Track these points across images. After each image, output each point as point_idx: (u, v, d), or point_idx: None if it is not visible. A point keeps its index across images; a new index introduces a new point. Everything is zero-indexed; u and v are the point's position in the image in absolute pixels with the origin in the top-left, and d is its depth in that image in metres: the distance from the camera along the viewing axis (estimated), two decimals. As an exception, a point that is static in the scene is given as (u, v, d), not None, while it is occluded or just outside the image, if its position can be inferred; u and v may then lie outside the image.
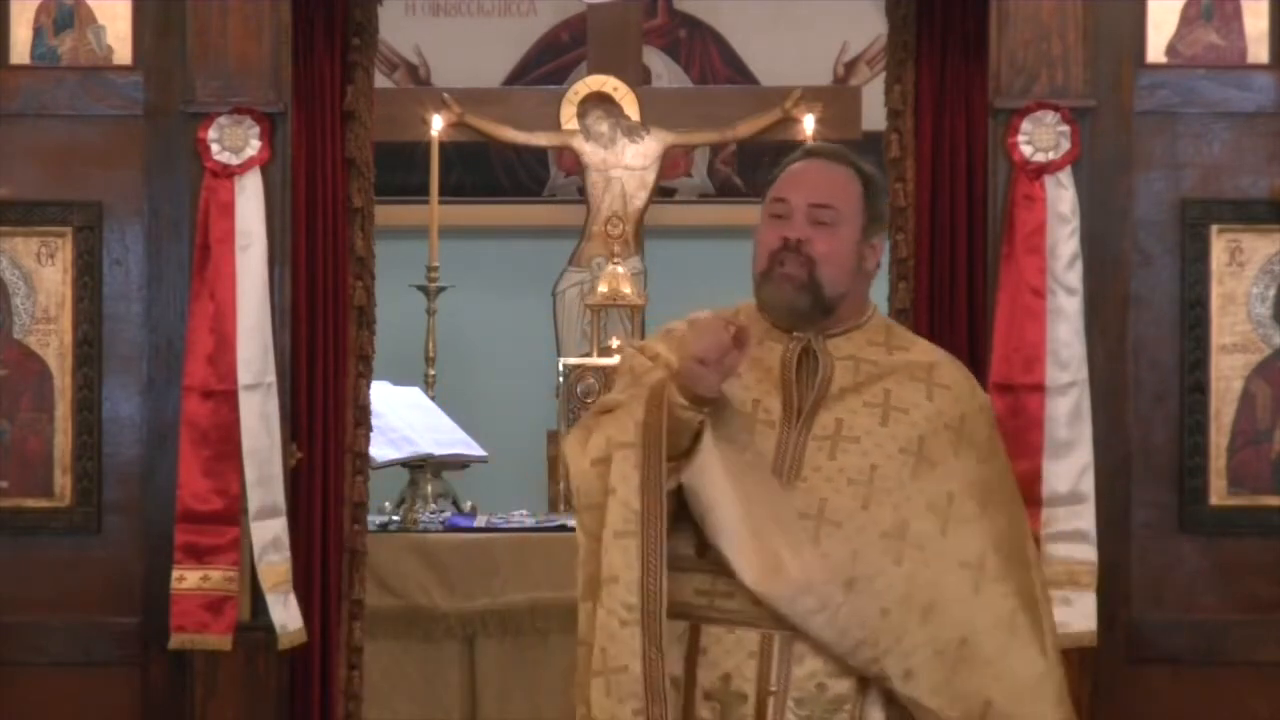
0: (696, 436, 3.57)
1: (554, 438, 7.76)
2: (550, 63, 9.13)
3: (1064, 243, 5.12)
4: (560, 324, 8.38)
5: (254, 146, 5.22)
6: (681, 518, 3.60)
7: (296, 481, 5.38)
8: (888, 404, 3.66)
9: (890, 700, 3.61)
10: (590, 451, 3.59)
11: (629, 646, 3.50)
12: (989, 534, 3.63)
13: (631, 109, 8.18)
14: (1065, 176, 5.15)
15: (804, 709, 3.58)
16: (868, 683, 3.60)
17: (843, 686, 3.60)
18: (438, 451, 7.35)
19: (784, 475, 3.61)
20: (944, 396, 3.69)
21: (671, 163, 8.51)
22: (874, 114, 6.79)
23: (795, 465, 3.62)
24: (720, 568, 3.58)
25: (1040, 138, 5.15)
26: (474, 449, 7.47)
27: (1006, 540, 3.66)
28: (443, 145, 8.05)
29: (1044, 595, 3.71)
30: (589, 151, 8.22)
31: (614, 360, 7.03)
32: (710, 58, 9.24)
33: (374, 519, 6.72)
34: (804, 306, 3.65)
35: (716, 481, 3.56)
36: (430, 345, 7.95)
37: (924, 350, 3.76)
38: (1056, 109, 5.16)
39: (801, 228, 3.64)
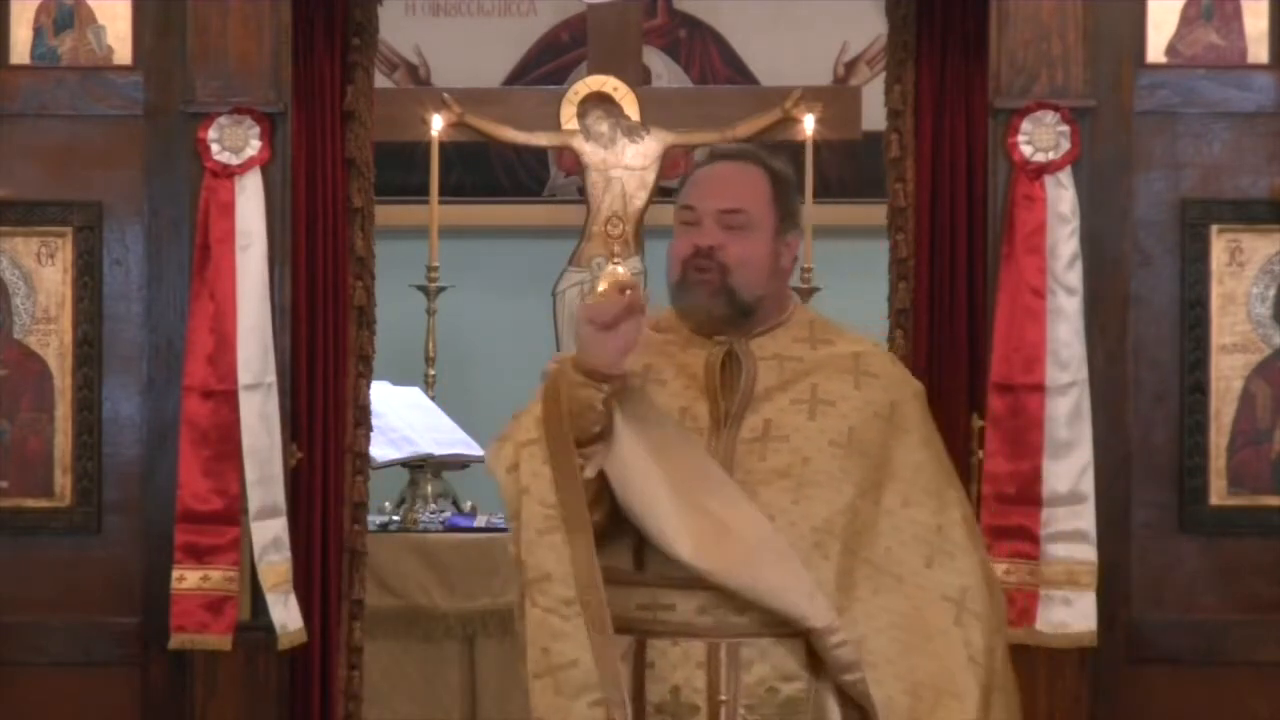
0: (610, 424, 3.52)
1: (554, 438, 7.74)
2: (550, 63, 9.13)
3: (1064, 243, 5.12)
4: (560, 324, 8.37)
5: (254, 146, 5.22)
6: (616, 533, 3.57)
7: (296, 481, 5.38)
8: (815, 399, 3.63)
9: (846, 700, 3.57)
10: (503, 461, 3.56)
11: (575, 640, 3.45)
12: (929, 521, 3.61)
13: (631, 109, 8.17)
14: (1065, 176, 5.15)
15: (756, 714, 3.55)
16: (819, 684, 3.57)
17: (794, 689, 3.56)
18: (438, 451, 7.35)
19: None
20: (872, 385, 3.66)
21: (672, 163, 8.50)
22: (874, 114, 6.78)
23: (726, 469, 3.58)
24: (661, 580, 3.55)
25: (1040, 138, 5.15)
26: (474, 449, 7.47)
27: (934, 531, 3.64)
28: (443, 145, 8.05)
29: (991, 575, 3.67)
30: (589, 151, 8.21)
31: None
32: (710, 58, 9.23)
33: (374, 519, 6.72)
34: (721, 313, 3.62)
35: (635, 464, 3.52)
36: (430, 345, 7.95)
37: (850, 341, 3.73)
38: (1056, 109, 5.16)
39: (712, 234, 3.60)
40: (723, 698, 3.54)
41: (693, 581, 3.53)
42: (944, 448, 3.74)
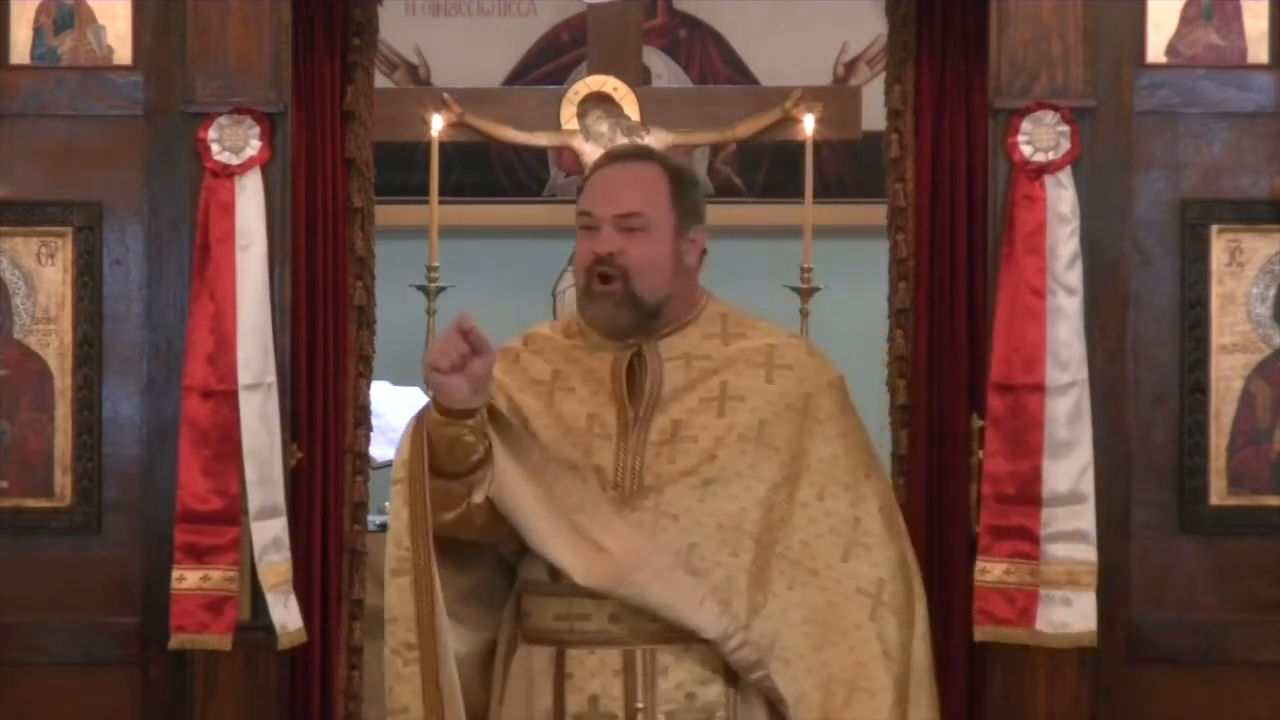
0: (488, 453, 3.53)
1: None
2: (550, 63, 9.14)
3: (1064, 243, 5.12)
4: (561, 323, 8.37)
5: (254, 146, 5.22)
6: (528, 547, 3.58)
7: (296, 481, 5.38)
8: (724, 395, 3.62)
9: (772, 705, 3.56)
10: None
11: (410, 686, 3.49)
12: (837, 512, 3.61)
13: (631, 109, 8.16)
14: (1065, 176, 5.15)
15: None
16: (740, 685, 3.57)
17: (712, 693, 3.57)
18: (438, 451, 7.34)
19: (625, 487, 3.57)
20: (785, 377, 3.65)
21: (672, 163, 8.50)
22: (874, 114, 6.77)
23: (636, 474, 3.57)
24: (575, 590, 3.54)
25: (1040, 138, 5.15)
26: (474, 449, 7.46)
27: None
28: (443, 145, 8.04)
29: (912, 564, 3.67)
30: (589, 151, 8.20)
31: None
32: (710, 58, 9.24)
33: (374, 519, 6.71)
34: (627, 320, 3.61)
35: (516, 490, 3.52)
36: (430, 345, 7.95)
37: (764, 333, 3.70)
38: (1056, 109, 5.16)
39: (610, 240, 3.58)
40: (639, 705, 3.54)
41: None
42: (866, 436, 3.72)
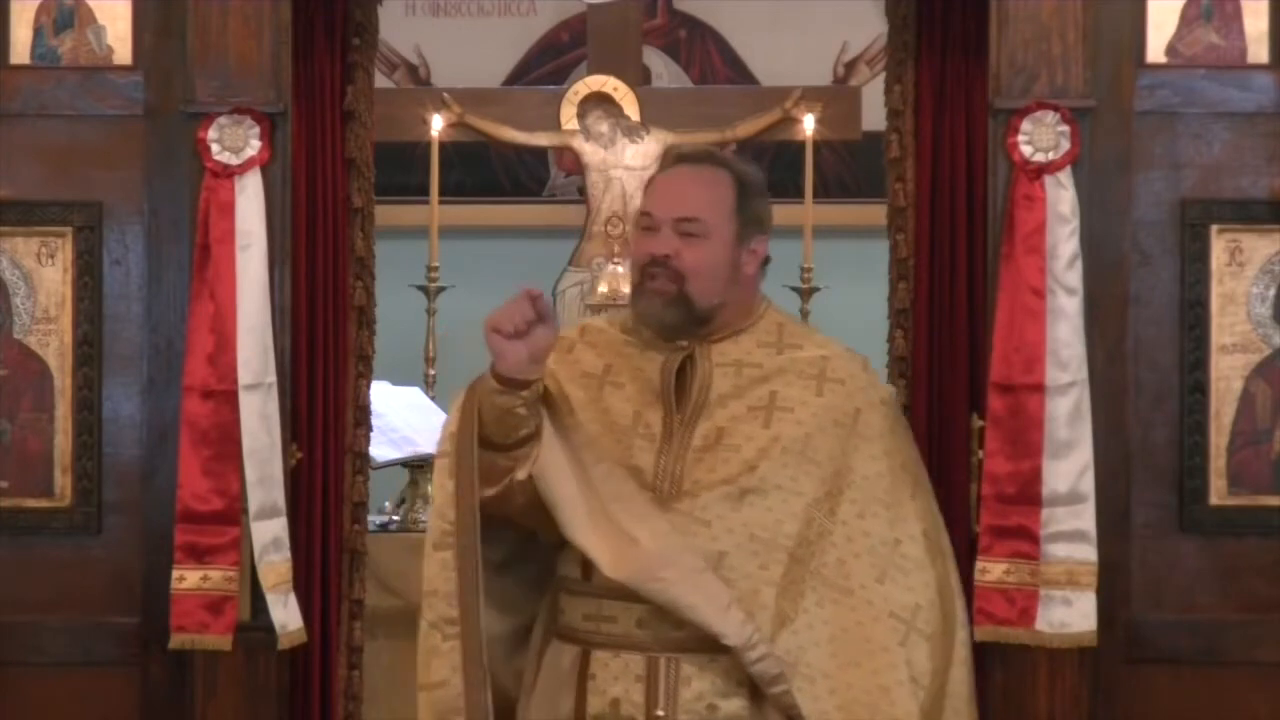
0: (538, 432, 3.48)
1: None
2: (550, 63, 9.14)
3: (1064, 243, 5.12)
4: (561, 324, 8.37)
5: (254, 146, 5.21)
6: (566, 541, 3.54)
7: (296, 481, 5.38)
8: (772, 405, 3.58)
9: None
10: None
11: (448, 661, 3.48)
12: (882, 529, 3.58)
13: (631, 109, 8.17)
14: (1065, 176, 5.14)
15: None
16: (762, 700, 3.52)
17: (733, 706, 3.53)
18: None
19: (663, 490, 3.52)
20: (836, 391, 3.61)
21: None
22: (874, 114, 6.78)
23: (675, 479, 3.54)
24: (605, 591, 3.51)
25: (1040, 138, 5.15)
26: (474, 449, 7.46)
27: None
28: (443, 145, 8.05)
29: (955, 586, 3.62)
30: (589, 151, 8.22)
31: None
32: (710, 58, 9.24)
33: (374, 519, 6.72)
34: (675, 321, 3.59)
35: (556, 472, 3.48)
36: (430, 345, 7.95)
37: (818, 345, 3.68)
38: (1056, 109, 5.16)
39: (668, 242, 3.56)
40: (660, 713, 3.51)
41: (633, 593, 3.49)
42: (914, 456, 3.67)
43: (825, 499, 3.55)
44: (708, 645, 3.51)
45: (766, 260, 3.68)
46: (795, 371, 3.62)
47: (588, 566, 3.54)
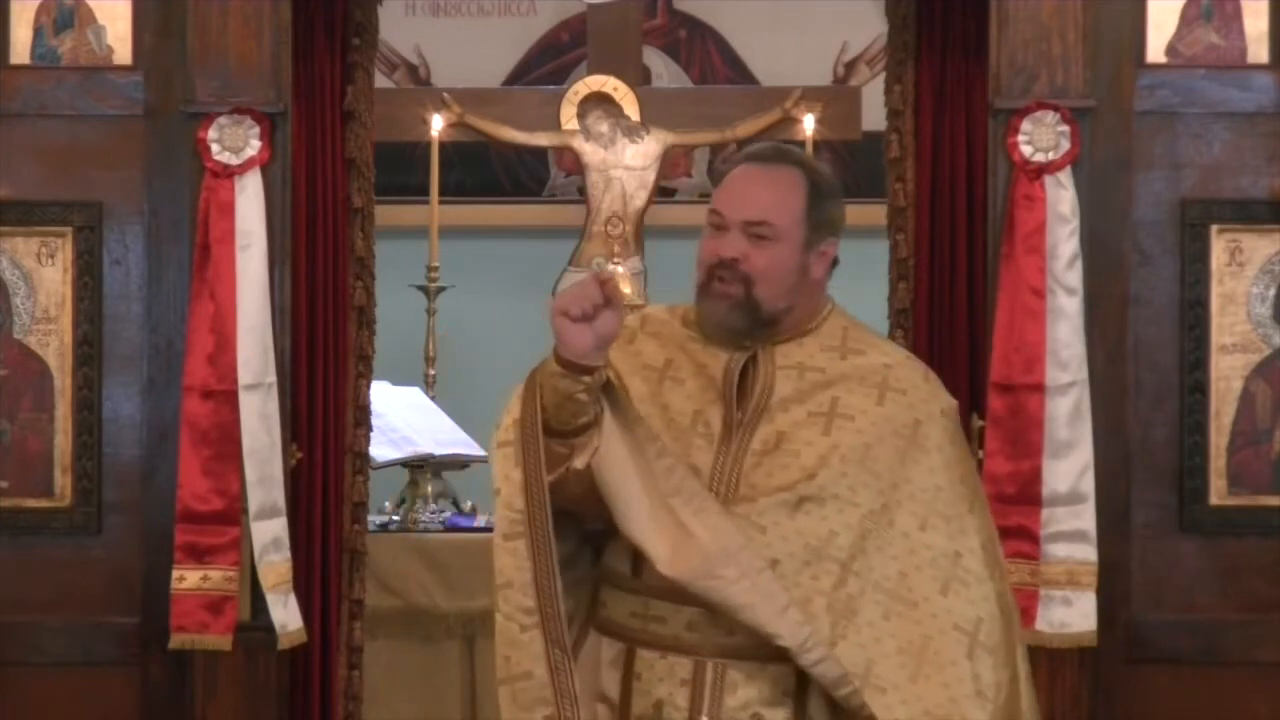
0: (597, 421, 3.43)
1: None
2: (550, 63, 9.13)
3: (1064, 243, 5.12)
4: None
5: (254, 146, 5.22)
6: (617, 533, 3.47)
7: (296, 481, 5.38)
8: (833, 412, 3.51)
9: None
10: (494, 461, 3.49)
11: (530, 651, 3.37)
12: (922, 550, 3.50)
13: (631, 109, 8.17)
14: (1065, 176, 5.15)
15: None
16: (805, 711, 3.48)
17: (779, 716, 3.48)
18: (438, 451, 7.34)
19: (719, 493, 3.46)
20: (897, 401, 3.53)
21: (672, 163, 8.50)
22: (874, 114, 6.78)
23: (732, 482, 3.48)
24: (653, 590, 3.45)
25: (1040, 138, 5.15)
26: (474, 449, 7.46)
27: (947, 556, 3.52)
28: (443, 145, 8.05)
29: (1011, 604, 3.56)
30: (589, 151, 8.21)
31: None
32: (710, 58, 9.23)
33: (374, 519, 6.72)
34: (740, 325, 3.52)
35: (615, 463, 3.41)
36: (430, 345, 7.95)
37: (882, 352, 3.60)
38: (1056, 109, 5.16)
39: (736, 245, 3.48)
40: (703, 719, 3.46)
41: (684, 595, 3.43)
42: (973, 469, 3.61)
43: (881, 511, 3.48)
44: (757, 653, 3.46)
45: (835, 262, 3.60)
46: (857, 378, 3.55)
47: (638, 562, 3.48)
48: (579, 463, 3.42)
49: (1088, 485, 5.10)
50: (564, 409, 3.40)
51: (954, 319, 5.49)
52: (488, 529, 7.08)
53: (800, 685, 3.48)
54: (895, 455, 3.51)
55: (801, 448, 3.49)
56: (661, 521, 3.41)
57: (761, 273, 3.50)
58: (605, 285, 3.37)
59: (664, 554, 3.41)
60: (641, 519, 3.42)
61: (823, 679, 3.44)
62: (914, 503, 3.50)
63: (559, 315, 3.38)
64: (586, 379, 3.39)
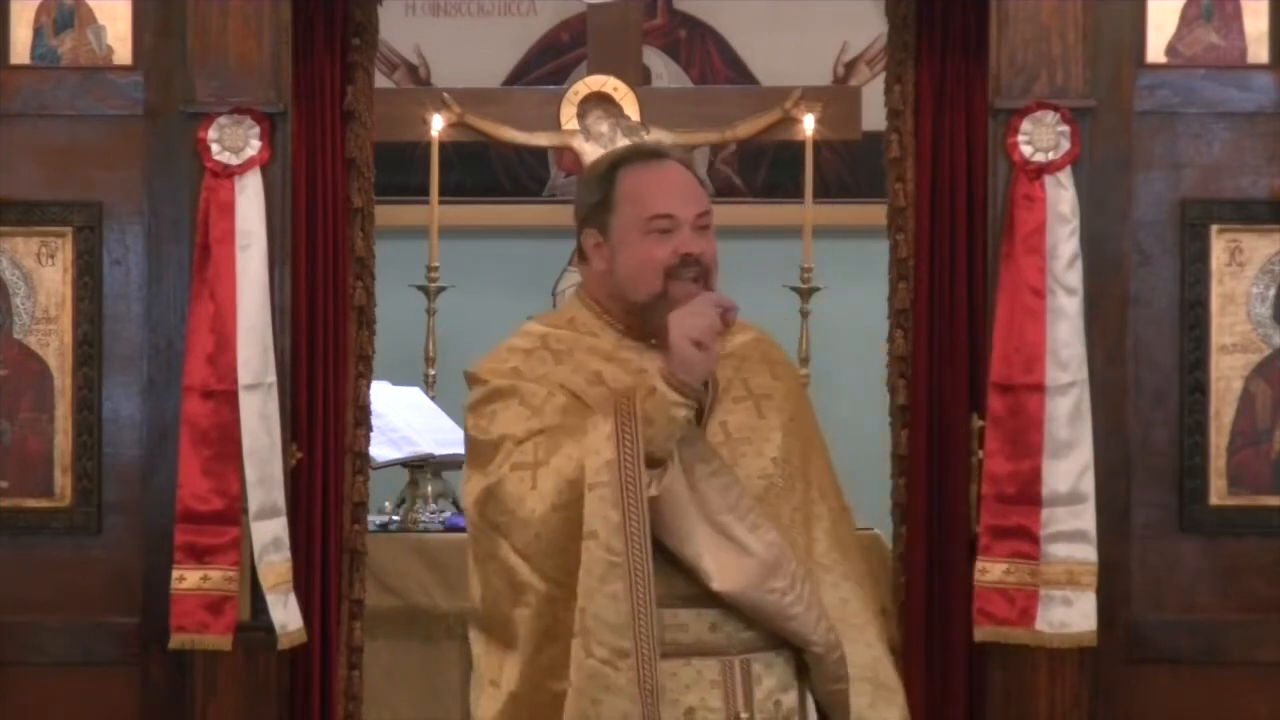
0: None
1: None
2: (550, 63, 9.13)
3: (1064, 243, 5.12)
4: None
5: (254, 146, 5.22)
6: None
7: (296, 481, 5.38)
8: (751, 394, 3.57)
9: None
10: (547, 497, 3.42)
11: (626, 695, 3.35)
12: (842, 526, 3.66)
13: (631, 109, 8.17)
14: (1065, 176, 5.15)
15: None
16: (803, 689, 3.56)
17: (791, 699, 3.55)
18: (438, 451, 7.34)
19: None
20: (784, 373, 3.65)
21: (671, 163, 8.49)
22: (874, 114, 6.78)
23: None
24: (671, 600, 3.46)
25: (1040, 138, 5.15)
26: (474, 449, 7.45)
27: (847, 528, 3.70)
28: (443, 145, 8.05)
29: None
30: (589, 151, 8.20)
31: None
32: (710, 58, 9.24)
33: (374, 519, 6.72)
34: None
35: (678, 485, 3.43)
36: (430, 345, 7.95)
37: (743, 328, 3.64)
38: (1056, 109, 5.16)
39: (693, 239, 3.50)
40: (743, 715, 3.49)
41: (702, 599, 3.47)
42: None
43: (805, 491, 3.61)
44: (770, 643, 3.53)
45: None
46: (748, 356, 3.62)
47: (661, 580, 3.47)
48: (654, 490, 3.42)
49: (1088, 485, 5.10)
50: (671, 440, 3.41)
51: (954, 319, 5.49)
52: (488, 529, 7.08)
53: (800, 669, 3.56)
54: (809, 426, 3.64)
55: (749, 434, 3.54)
56: (712, 540, 3.45)
57: (711, 260, 3.55)
58: (727, 313, 3.40)
59: (715, 571, 3.44)
60: (694, 536, 3.44)
61: (835, 675, 3.54)
62: (820, 475, 3.65)
63: (689, 344, 3.37)
64: (694, 404, 3.42)
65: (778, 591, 3.46)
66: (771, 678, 3.53)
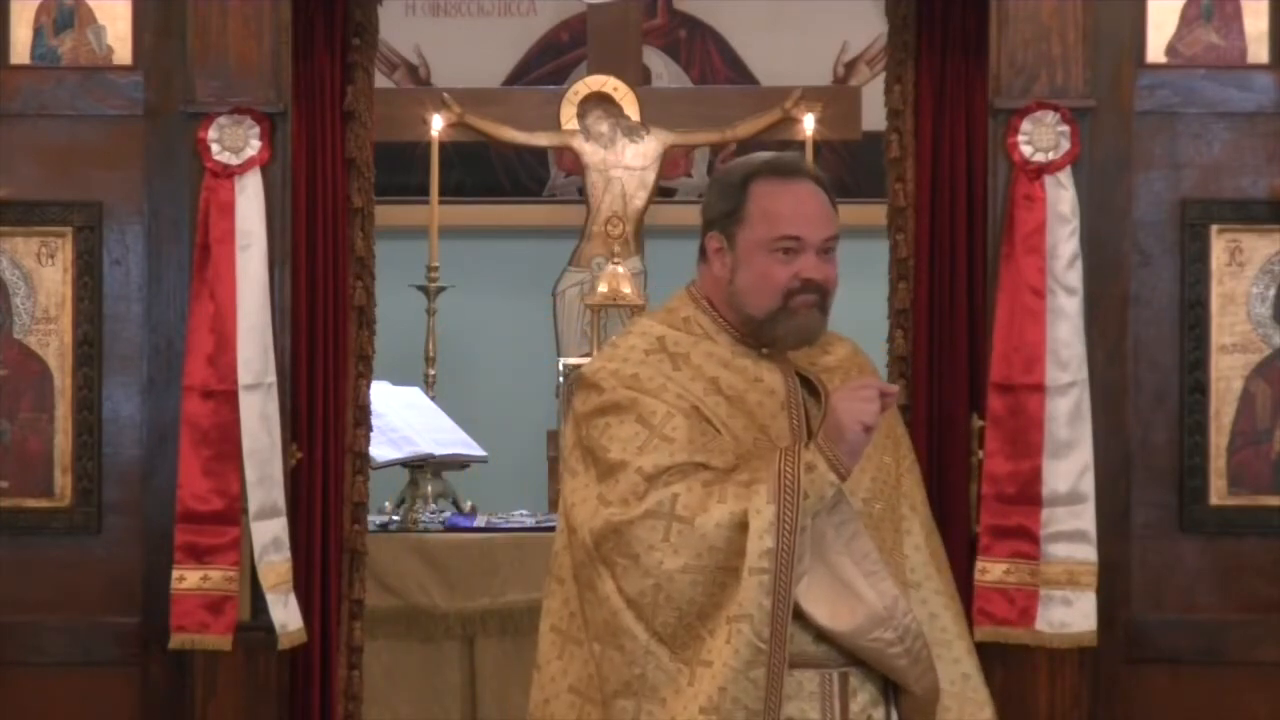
0: None
1: (554, 438, 7.77)
2: (550, 63, 9.14)
3: (1064, 243, 5.12)
4: (560, 324, 8.38)
5: (254, 146, 5.22)
6: None
7: (296, 481, 5.38)
8: None
9: None
10: (682, 556, 3.42)
11: None
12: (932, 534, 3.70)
13: (631, 109, 8.18)
14: (1065, 176, 5.15)
15: None
16: (891, 706, 3.58)
17: (882, 714, 3.57)
18: (438, 451, 7.35)
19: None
20: None
21: (671, 163, 8.51)
22: (874, 114, 6.79)
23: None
24: None
25: (1040, 138, 5.15)
26: (474, 449, 7.47)
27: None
28: (443, 145, 8.06)
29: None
30: (589, 151, 8.22)
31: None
32: (710, 58, 9.24)
33: (374, 519, 6.72)
34: (820, 329, 3.58)
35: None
36: (430, 345, 7.96)
37: (834, 341, 3.67)
38: (1056, 109, 5.16)
39: (817, 265, 3.52)
40: None
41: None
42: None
43: (905, 498, 3.66)
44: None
45: None
46: (846, 371, 3.64)
47: None
48: (801, 568, 3.47)
49: (1088, 485, 5.10)
50: (821, 512, 3.44)
51: (954, 319, 5.49)
52: (488, 529, 7.10)
53: (894, 684, 3.59)
54: (895, 444, 3.66)
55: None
56: (826, 583, 3.47)
57: (833, 284, 3.57)
58: (887, 398, 3.43)
59: (826, 614, 3.47)
60: (813, 582, 3.46)
61: (920, 710, 3.59)
62: (913, 489, 3.69)
63: (861, 430, 3.41)
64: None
65: (883, 642, 3.48)
66: (866, 692, 3.54)
